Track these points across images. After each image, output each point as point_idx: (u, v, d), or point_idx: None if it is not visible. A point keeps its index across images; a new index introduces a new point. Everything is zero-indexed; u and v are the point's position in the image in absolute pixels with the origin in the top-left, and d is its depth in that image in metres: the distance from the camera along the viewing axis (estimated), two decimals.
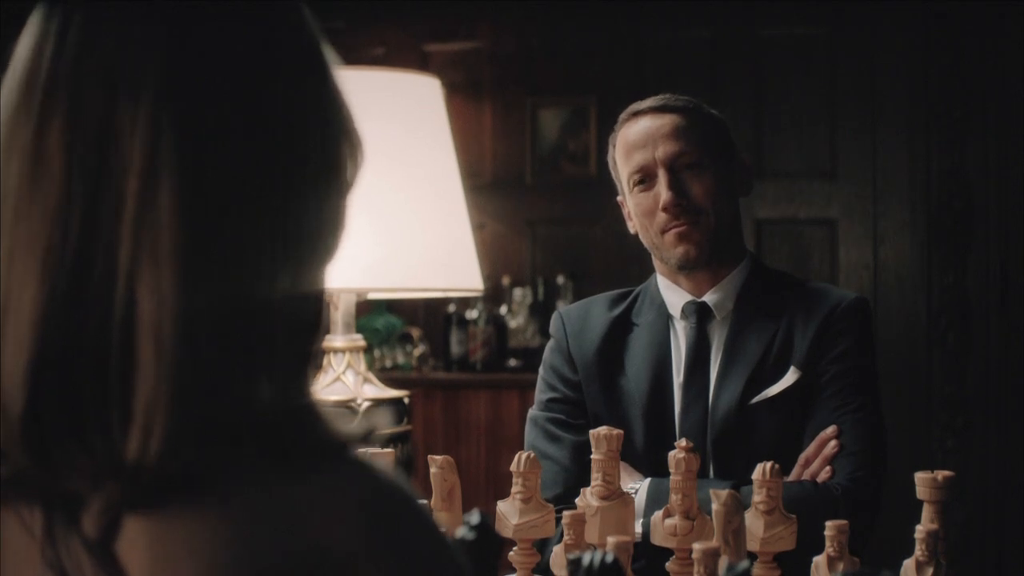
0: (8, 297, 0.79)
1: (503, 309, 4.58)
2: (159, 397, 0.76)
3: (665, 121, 1.93)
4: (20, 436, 0.77)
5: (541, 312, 4.50)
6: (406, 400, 2.28)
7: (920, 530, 1.48)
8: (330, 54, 0.88)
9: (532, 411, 2.01)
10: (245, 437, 0.79)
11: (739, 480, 1.75)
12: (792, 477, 1.82)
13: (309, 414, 0.83)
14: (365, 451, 0.85)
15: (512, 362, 4.50)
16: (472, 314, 4.49)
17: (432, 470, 1.67)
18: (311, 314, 0.86)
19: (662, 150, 1.92)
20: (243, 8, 0.83)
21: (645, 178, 1.94)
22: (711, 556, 1.33)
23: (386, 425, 2.20)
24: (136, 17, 0.80)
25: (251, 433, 0.79)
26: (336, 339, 2.26)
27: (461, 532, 1.16)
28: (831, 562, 1.50)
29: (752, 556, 1.53)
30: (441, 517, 1.66)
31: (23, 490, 0.80)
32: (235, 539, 0.77)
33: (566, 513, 1.55)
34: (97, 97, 0.79)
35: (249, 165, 0.81)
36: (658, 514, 1.61)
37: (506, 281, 4.61)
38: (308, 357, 0.85)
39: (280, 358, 0.82)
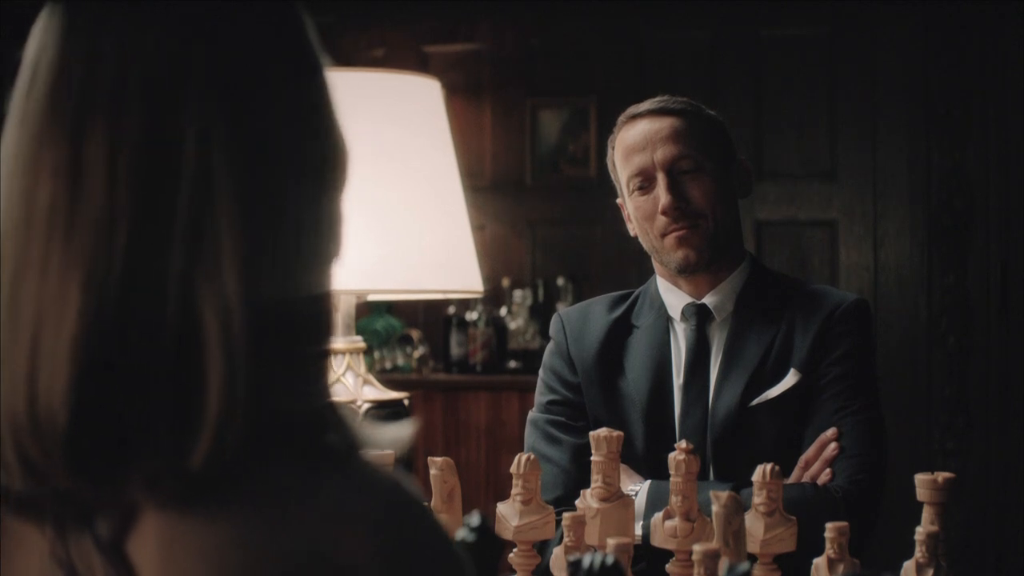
0: (45, 315, 0.77)
1: (503, 311, 4.58)
2: (233, 404, 0.76)
3: (663, 124, 1.93)
4: (62, 453, 0.76)
5: (541, 314, 4.50)
6: (406, 402, 2.27)
7: (920, 532, 1.48)
8: (319, 43, 0.89)
9: (532, 413, 2.01)
10: (281, 439, 0.79)
11: (739, 482, 1.75)
12: (792, 479, 1.82)
13: (332, 415, 0.83)
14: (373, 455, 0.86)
15: (512, 364, 4.50)
16: (472, 316, 4.49)
17: (432, 472, 1.67)
18: (328, 312, 0.87)
19: (660, 154, 1.92)
20: (266, 6, 0.83)
21: (644, 182, 1.93)
22: (711, 558, 1.32)
23: (404, 439, 2.19)
24: (170, 24, 0.79)
25: (286, 435, 0.80)
26: (336, 341, 2.26)
27: (461, 534, 1.16)
28: (831, 564, 1.50)
29: (752, 558, 1.52)
30: (441, 519, 1.65)
31: (57, 507, 0.79)
32: (248, 542, 0.77)
33: (566, 515, 1.55)
34: (139, 109, 0.78)
35: (289, 164, 0.82)
36: (658, 516, 1.60)
37: (506, 283, 4.61)
38: (327, 356, 0.87)
39: (313, 357, 0.84)
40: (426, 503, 0.84)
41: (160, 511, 0.78)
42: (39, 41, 0.81)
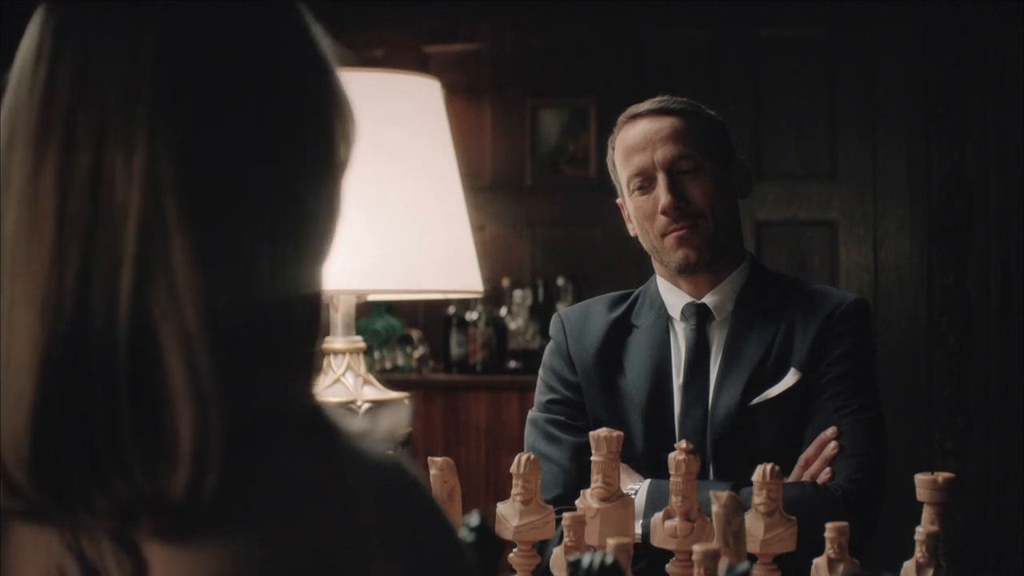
0: (12, 343, 0.78)
1: (503, 311, 4.58)
2: (207, 433, 0.75)
3: (664, 124, 1.93)
4: (28, 477, 0.77)
5: (541, 314, 4.50)
6: (406, 402, 2.27)
7: (920, 532, 1.48)
8: (320, 37, 0.87)
9: (532, 413, 2.01)
10: (267, 450, 0.79)
11: (739, 482, 1.75)
12: (792, 479, 1.82)
13: (318, 417, 0.83)
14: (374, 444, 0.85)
15: (512, 364, 4.50)
16: (472, 316, 4.49)
17: (432, 472, 1.67)
18: (314, 313, 0.86)
19: (661, 153, 1.92)
20: (231, 12, 0.82)
21: (644, 182, 1.94)
22: (711, 558, 1.32)
23: (401, 425, 2.19)
24: (124, 47, 0.78)
25: (273, 445, 0.79)
26: (336, 341, 2.26)
27: (461, 534, 1.16)
28: (831, 564, 1.50)
29: (752, 558, 1.52)
30: None
31: (43, 521, 0.80)
32: (254, 561, 0.77)
33: (566, 515, 1.55)
34: (89, 139, 0.77)
35: (250, 174, 0.80)
36: (658, 516, 1.60)
37: (506, 283, 4.61)
38: (313, 358, 0.86)
39: (292, 361, 0.83)
40: (428, 493, 0.84)
41: (155, 542, 0.78)
42: (21, 58, 0.81)
